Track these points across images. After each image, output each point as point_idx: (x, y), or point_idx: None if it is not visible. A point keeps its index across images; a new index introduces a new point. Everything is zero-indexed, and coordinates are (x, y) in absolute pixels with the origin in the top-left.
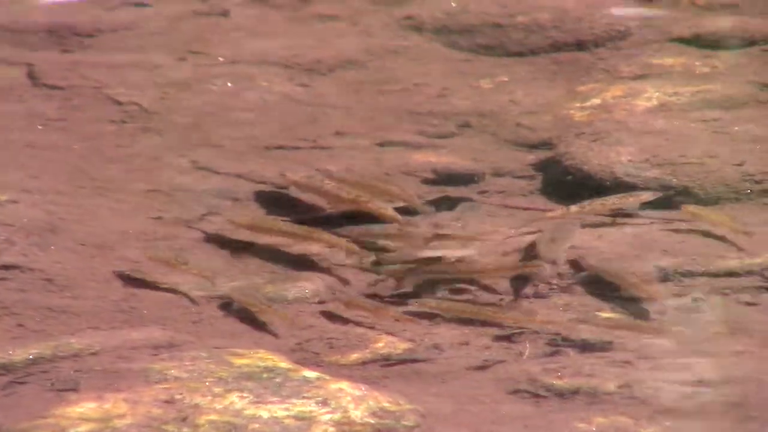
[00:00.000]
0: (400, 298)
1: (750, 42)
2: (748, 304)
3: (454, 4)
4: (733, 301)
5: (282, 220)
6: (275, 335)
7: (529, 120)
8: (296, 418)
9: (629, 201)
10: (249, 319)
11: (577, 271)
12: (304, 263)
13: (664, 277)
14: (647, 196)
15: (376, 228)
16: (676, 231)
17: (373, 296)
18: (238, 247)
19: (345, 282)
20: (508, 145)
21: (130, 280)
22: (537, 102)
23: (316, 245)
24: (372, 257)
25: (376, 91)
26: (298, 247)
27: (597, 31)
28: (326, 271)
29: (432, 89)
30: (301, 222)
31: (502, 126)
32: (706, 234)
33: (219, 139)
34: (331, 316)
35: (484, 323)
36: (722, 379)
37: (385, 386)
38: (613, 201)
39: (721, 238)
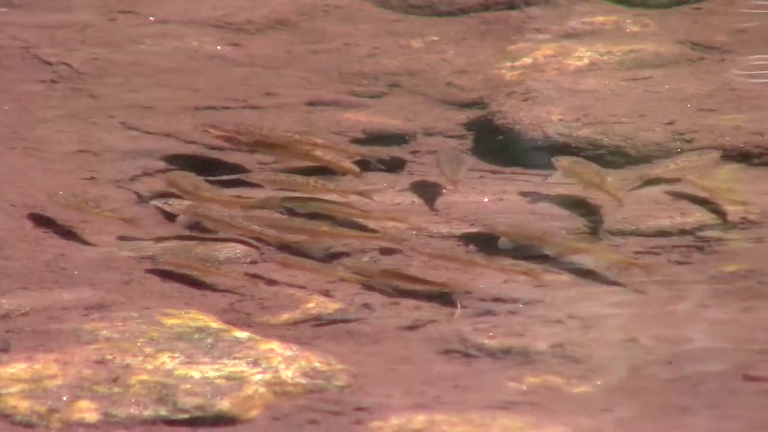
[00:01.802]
0: (330, 258)
1: (681, 1)
2: (680, 263)
3: None
4: (664, 260)
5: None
6: (206, 295)
7: (460, 79)
8: (227, 378)
9: (700, 160)
10: (180, 279)
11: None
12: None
13: (594, 235)
14: (715, 155)
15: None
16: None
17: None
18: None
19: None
20: (438, 105)
21: (57, 234)
22: (468, 61)
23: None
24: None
25: (306, 51)
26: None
27: None
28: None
29: (362, 49)
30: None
31: (433, 85)
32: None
33: (149, 99)
34: (262, 276)
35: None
36: (653, 338)
37: (316, 346)
38: (684, 161)
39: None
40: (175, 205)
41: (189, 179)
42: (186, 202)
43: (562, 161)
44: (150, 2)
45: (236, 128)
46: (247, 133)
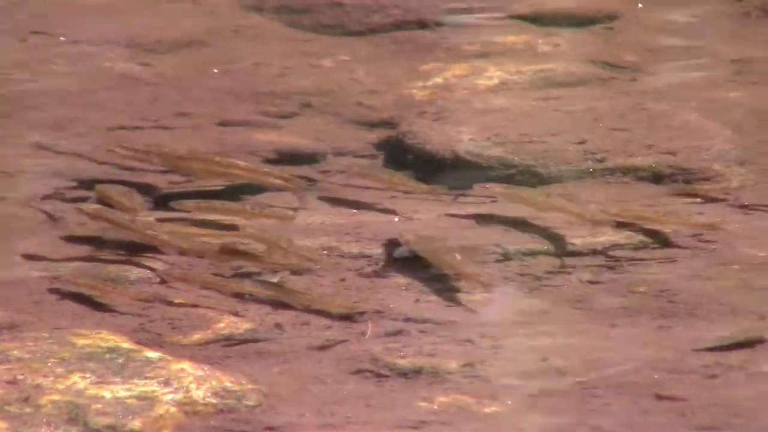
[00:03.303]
0: (243, 277)
1: (592, 20)
2: (591, 282)
3: None
4: (575, 279)
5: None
6: (117, 316)
7: (371, 99)
8: (138, 398)
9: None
10: (90, 300)
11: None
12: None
13: (506, 256)
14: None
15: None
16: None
17: (215, 275)
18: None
19: (188, 262)
20: (349, 125)
21: None
22: (378, 81)
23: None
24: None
25: (218, 71)
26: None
27: (439, 9)
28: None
29: (274, 69)
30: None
31: (344, 105)
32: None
33: (60, 119)
34: (173, 297)
35: None
36: (565, 358)
37: (227, 366)
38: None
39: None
40: (87, 208)
41: (124, 193)
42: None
43: (408, 236)
44: (61, 22)
45: (150, 148)
46: (164, 154)
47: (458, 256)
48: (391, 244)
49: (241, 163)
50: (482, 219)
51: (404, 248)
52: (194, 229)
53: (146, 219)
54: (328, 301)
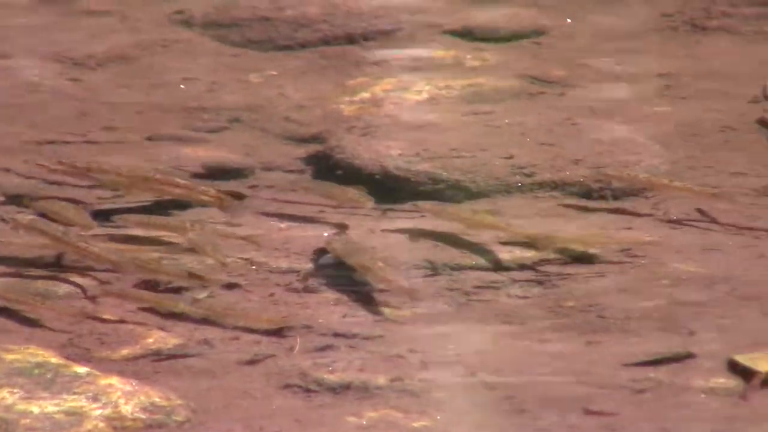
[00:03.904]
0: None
1: (520, 35)
2: (520, 297)
3: None
4: (504, 294)
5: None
6: (46, 331)
7: (299, 114)
8: (67, 413)
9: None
10: (19, 315)
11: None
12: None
13: (435, 271)
14: None
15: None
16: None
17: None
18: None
19: (118, 277)
20: (278, 140)
21: None
22: (307, 96)
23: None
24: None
25: (146, 86)
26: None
27: (367, 24)
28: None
29: (202, 84)
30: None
31: (272, 120)
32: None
33: None
34: (101, 312)
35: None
36: (494, 372)
37: (155, 381)
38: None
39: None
40: (22, 220)
41: (70, 208)
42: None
43: (334, 244)
44: None
45: (89, 164)
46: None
47: (381, 264)
48: (317, 253)
49: (181, 181)
50: (411, 234)
51: (329, 256)
52: (125, 245)
53: (86, 234)
54: (255, 317)
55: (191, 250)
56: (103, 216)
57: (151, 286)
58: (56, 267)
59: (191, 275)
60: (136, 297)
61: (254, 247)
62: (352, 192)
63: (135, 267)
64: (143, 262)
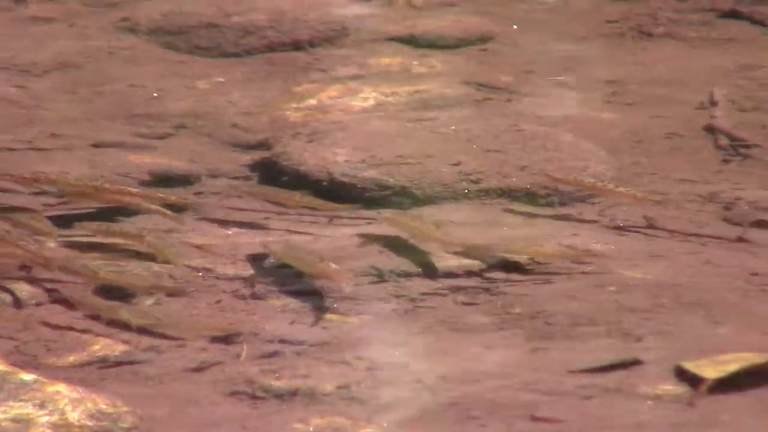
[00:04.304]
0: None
1: (467, 42)
2: (466, 304)
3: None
4: (450, 301)
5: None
6: None
7: (246, 121)
8: (13, 420)
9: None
10: None
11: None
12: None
13: (381, 277)
14: None
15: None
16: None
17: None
18: None
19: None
20: (224, 146)
21: None
22: (253, 103)
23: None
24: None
25: (92, 93)
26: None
27: (313, 31)
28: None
29: (148, 90)
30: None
31: (219, 127)
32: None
33: None
34: (49, 319)
35: None
36: (441, 379)
37: (102, 388)
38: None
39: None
40: None
41: (33, 217)
42: None
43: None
44: None
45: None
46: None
47: (321, 262)
48: (257, 257)
49: (133, 190)
50: (358, 240)
51: (271, 259)
52: (75, 252)
53: (46, 241)
54: (201, 326)
55: (146, 256)
56: (58, 223)
57: (101, 293)
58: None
59: (138, 282)
60: (83, 304)
61: (201, 254)
62: (303, 197)
63: (84, 274)
64: (92, 268)
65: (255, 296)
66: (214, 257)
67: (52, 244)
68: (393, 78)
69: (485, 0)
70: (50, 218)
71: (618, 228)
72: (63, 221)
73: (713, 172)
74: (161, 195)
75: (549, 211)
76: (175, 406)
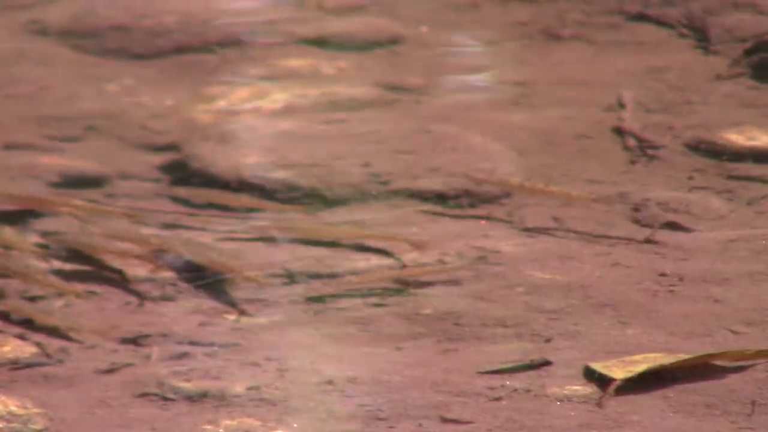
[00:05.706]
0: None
1: (376, 43)
2: (377, 305)
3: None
4: (361, 302)
5: None
6: None
7: (155, 123)
8: None
9: None
10: None
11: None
12: None
13: (291, 278)
14: None
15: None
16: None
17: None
18: None
19: None
20: (134, 148)
21: None
22: (163, 105)
23: None
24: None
25: (1, 95)
26: None
27: (223, 33)
28: None
29: (58, 92)
30: None
31: (128, 129)
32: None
33: None
34: None
35: None
36: (350, 380)
37: (12, 390)
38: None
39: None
40: None
41: None
42: None
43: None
44: None
45: None
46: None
47: (225, 257)
48: (159, 255)
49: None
50: (267, 241)
51: (175, 256)
52: None
53: None
54: (104, 329)
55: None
56: None
57: (9, 293)
58: None
59: (49, 283)
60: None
61: (111, 256)
62: (245, 198)
63: None
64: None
65: (165, 297)
66: (126, 259)
67: None
68: (303, 79)
69: (395, 2)
70: None
71: (527, 229)
72: None
73: (622, 173)
74: (66, 197)
75: (459, 211)
76: (85, 407)
